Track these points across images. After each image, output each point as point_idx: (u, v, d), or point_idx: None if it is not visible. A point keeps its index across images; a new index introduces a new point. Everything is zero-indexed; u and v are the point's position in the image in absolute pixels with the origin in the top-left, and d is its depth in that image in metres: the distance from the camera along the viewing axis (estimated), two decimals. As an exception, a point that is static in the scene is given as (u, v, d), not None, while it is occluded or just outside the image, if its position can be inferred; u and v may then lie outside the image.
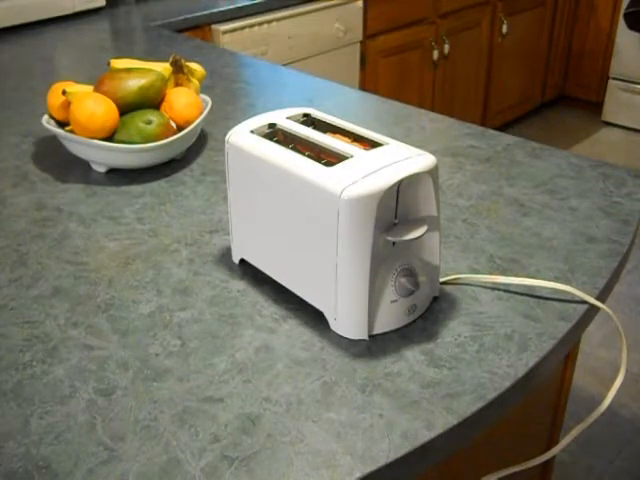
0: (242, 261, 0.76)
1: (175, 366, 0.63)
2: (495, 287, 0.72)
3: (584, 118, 3.40)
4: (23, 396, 0.60)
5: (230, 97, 1.25)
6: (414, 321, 0.68)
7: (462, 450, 0.60)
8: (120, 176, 0.96)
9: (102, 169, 0.98)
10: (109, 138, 0.94)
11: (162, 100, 0.99)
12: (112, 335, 0.67)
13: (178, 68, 1.03)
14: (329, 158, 0.65)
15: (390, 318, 0.66)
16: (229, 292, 0.72)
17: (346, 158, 0.64)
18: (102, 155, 0.95)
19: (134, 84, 0.96)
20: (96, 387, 0.61)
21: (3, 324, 0.69)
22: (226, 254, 0.78)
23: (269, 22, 2.01)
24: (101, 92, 0.95)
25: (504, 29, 2.86)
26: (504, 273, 0.74)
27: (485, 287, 0.72)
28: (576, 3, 3.23)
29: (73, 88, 0.96)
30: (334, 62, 2.26)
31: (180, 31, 1.79)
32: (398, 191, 0.63)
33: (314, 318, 0.68)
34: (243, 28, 1.95)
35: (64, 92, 0.95)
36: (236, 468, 0.53)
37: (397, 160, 0.63)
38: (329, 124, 0.72)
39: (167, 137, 0.94)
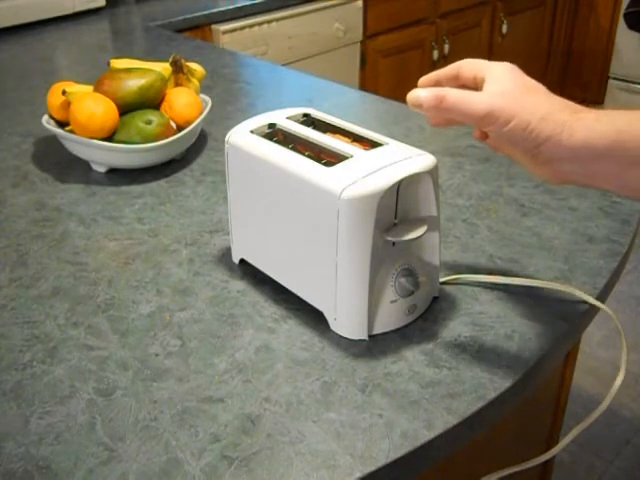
0: (242, 261, 0.76)
1: (175, 366, 0.63)
2: (495, 287, 0.72)
3: (584, 118, 3.40)
4: (23, 396, 0.60)
5: (230, 97, 1.25)
6: (414, 321, 0.68)
7: (462, 450, 0.60)
8: (120, 176, 0.96)
9: (102, 169, 0.98)
10: (109, 138, 0.94)
11: (162, 100, 1.00)
12: (112, 335, 0.67)
13: (178, 68, 1.03)
14: (329, 158, 0.65)
15: (390, 318, 0.66)
16: (229, 292, 0.72)
17: (346, 158, 0.64)
18: (102, 155, 0.95)
19: (134, 84, 0.96)
20: (96, 387, 0.61)
21: (3, 324, 0.69)
22: (226, 254, 0.78)
23: (269, 22, 2.01)
24: (101, 92, 0.95)
25: (504, 29, 2.86)
26: (504, 273, 0.74)
27: (485, 287, 0.72)
28: (576, 3, 3.23)
29: (73, 88, 0.96)
30: (334, 62, 2.26)
31: (180, 31, 1.79)
32: (398, 191, 0.63)
33: (314, 318, 0.68)
34: (243, 28, 1.95)
35: (64, 92, 0.95)
36: (236, 468, 0.53)
37: (397, 160, 0.63)
38: (329, 124, 0.72)
39: (167, 137, 0.94)
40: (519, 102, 0.53)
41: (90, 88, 0.97)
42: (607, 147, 0.51)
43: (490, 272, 0.74)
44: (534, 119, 0.52)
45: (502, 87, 0.55)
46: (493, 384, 0.60)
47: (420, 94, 0.55)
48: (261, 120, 0.72)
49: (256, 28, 1.98)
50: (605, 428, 1.73)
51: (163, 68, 1.01)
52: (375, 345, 0.65)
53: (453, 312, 0.69)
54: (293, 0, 2.07)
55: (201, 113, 1.01)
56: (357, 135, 0.69)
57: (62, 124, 0.99)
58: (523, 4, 2.93)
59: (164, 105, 0.99)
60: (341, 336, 0.66)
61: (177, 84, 1.04)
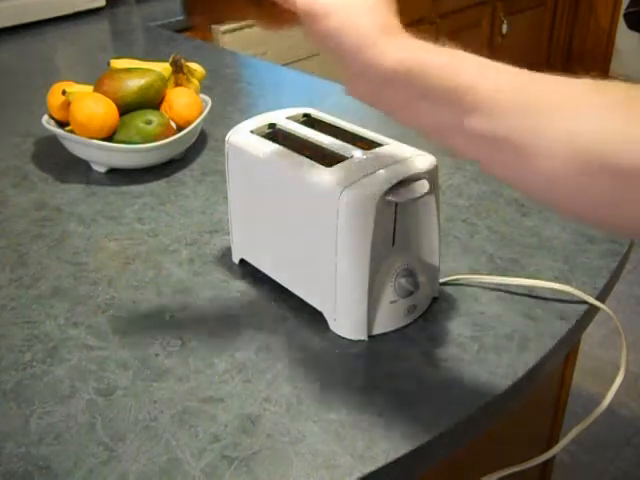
0: (242, 261, 0.76)
1: (175, 366, 0.63)
2: (495, 287, 0.72)
3: (584, 118, 3.40)
4: (23, 396, 0.60)
5: (230, 97, 1.25)
6: (414, 321, 0.68)
7: (462, 450, 0.60)
8: (120, 176, 0.96)
9: (102, 169, 0.98)
10: (109, 138, 0.94)
11: (162, 100, 0.99)
12: (112, 335, 0.67)
13: (178, 68, 1.03)
14: (329, 158, 0.65)
15: (389, 319, 0.66)
16: (229, 292, 0.72)
17: (346, 158, 0.64)
18: (102, 155, 0.95)
19: (134, 84, 0.96)
20: (96, 387, 0.61)
21: (3, 324, 0.69)
22: (226, 254, 0.78)
23: (269, 22, 2.01)
24: (101, 92, 0.95)
25: (504, 29, 2.86)
26: (504, 273, 0.74)
27: (485, 287, 0.72)
28: (576, 3, 3.23)
29: (73, 88, 0.96)
30: (334, 62, 2.25)
31: (180, 31, 1.79)
32: (398, 191, 0.63)
33: (314, 318, 0.68)
34: (243, 28, 1.95)
35: (64, 92, 0.95)
36: (236, 468, 0.53)
37: (397, 160, 0.63)
38: (329, 124, 0.72)
39: (167, 137, 0.94)
40: (344, 6, 0.51)
41: (90, 88, 0.97)
42: (395, 71, 0.48)
43: (490, 272, 0.74)
44: (344, 25, 0.50)
45: None
46: (493, 384, 0.60)
47: None
48: (261, 120, 0.72)
49: (256, 28, 1.98)
50: (605, 428, 1.73)
51: (163, 68, 1.01)
52: (375, 345, 0.65)
53: (453, 312, 0.69)
54: (293, 0, 2.07)
55: (201, 113, 1.01)
56: (357, 135, 0.69)
57: (62, 124, 0.99)
58: (523, 4, 2.93)
59: (164, 105, 0.99)
60: (341, 336, 0.66)
61: (177, 84, 1.04)
